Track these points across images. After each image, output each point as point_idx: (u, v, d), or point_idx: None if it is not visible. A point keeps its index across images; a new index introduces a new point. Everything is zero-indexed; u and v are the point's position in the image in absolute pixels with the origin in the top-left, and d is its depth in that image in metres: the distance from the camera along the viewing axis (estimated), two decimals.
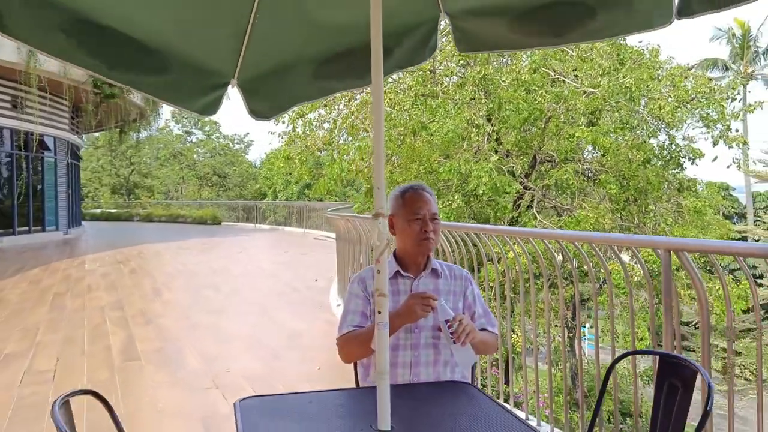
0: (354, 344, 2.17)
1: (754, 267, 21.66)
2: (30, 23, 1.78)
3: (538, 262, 3.56)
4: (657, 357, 1.95)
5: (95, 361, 5.44)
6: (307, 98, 2.89)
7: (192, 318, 7.54)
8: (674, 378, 1.82)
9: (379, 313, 1.70)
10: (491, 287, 4.09)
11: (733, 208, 35.35)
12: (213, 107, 2.39)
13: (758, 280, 22.72)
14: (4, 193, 18.79)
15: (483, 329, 2.32)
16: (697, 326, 18.15)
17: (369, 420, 1.69)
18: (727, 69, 32.64)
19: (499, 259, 3.88)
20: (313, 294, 9.38)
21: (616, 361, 2.02)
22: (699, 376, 1.71)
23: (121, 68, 2.07)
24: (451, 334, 2.04)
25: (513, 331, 9.98)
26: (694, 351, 16.56)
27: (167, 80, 2.23)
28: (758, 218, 28.11)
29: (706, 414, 1.61)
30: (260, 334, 6.73)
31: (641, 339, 10.62)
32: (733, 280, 10.10)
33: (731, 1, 2.04)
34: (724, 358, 16.68)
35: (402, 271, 2.32)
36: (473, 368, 2.36)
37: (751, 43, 32.45)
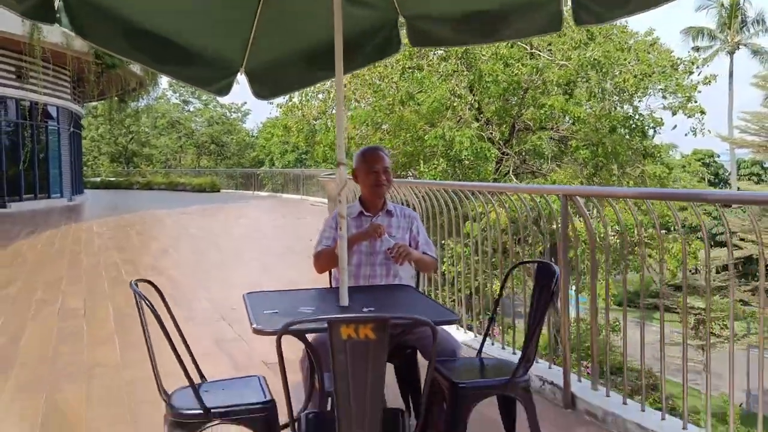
0: (325, 256, 3.02)
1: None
2: (101, 32, 2.59)
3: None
4: (536, 264, 2.79)
5: (118, 302, 6.31)
6: (302, 85, 3.72)
7: (199, 271, 8.42)
8: (545, 278, 2.68)
9: (340, 229, 2.55)
10: (474, 243, 4.85)
11: (716, 175, 36.26)
12: (226, 89, 3.27)
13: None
14: (10, 160, 19.49)
15: (424, 253, 3.17)
16: (678, 287, 19.12)
17: (334, 301, 2.54)
18: (713, 38, 33.19)
19: (476, 219, 4.66)
20: (309, 252, 10.10)
21: (510, 270, 2.88)
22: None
23: (161, 61, 2.91)
24: (392, 257, 2.92)
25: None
26: (677, 311, 17.56)
27: (193, 70, 3.07)
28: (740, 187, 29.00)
29: (553, 293, 2.46)
30: (261, 282, 7.59)
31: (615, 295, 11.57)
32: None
33: (612, 16, 2.88)
34: (697, 315, 17.71)
35: (364, 212, 3.17)
36: (417, 281, 3.23)
37: (739, 13, 32.90)
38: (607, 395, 3.33)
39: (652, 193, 3.22)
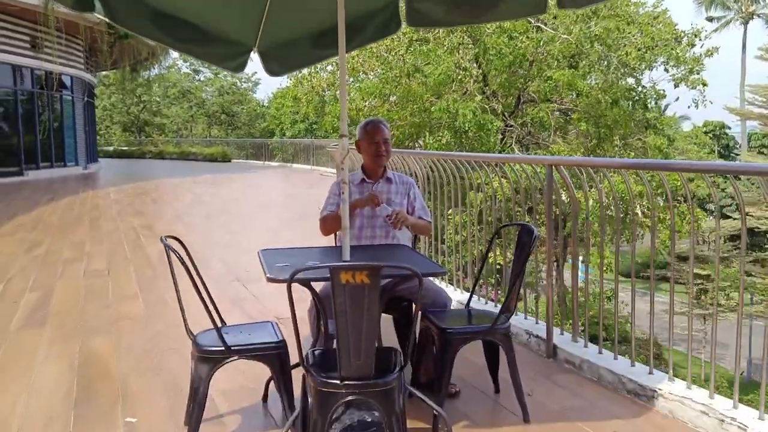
0: (330, 220, 3.38)
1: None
2: (130, 17, 2.91)
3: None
4: (519, 226, 3.13)
5: (138, 263, 6.72)
6: (310, 63, 4.05)
7: (213, 237, 8.80)
8: (525, 235, 3.01)
9: (342, 193, 2.90)
10: (473, 212, 5.18)
11: (726, 147, 36.16)
12: (241, 67, 3.61)
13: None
14: (26, 129, 19.87)
15: (420, 218, 3.52)
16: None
17: (338, 256, 2.90)
18: (727, 8, 32.77)
19: (480, 189, 4.98)
20: (318, 220, 10.57)
21: (495, 232, 3.21)
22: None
23: (182, 42, 3.24)
24: (391, 223, 3.26)
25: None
26: (683, 283, 17.87)
27: (211, 49, 3.41)
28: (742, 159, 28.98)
29: (529, 252, 2.80)
30: (272, 246, 7.97)
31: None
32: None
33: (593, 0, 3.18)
34: (699, 284, 18.03)
35: (366, 179, 3.51)
36: (414, 244, 3.58)
37: None
38: (585, 346, 3.68)
39: (627, 163, 3.51)
